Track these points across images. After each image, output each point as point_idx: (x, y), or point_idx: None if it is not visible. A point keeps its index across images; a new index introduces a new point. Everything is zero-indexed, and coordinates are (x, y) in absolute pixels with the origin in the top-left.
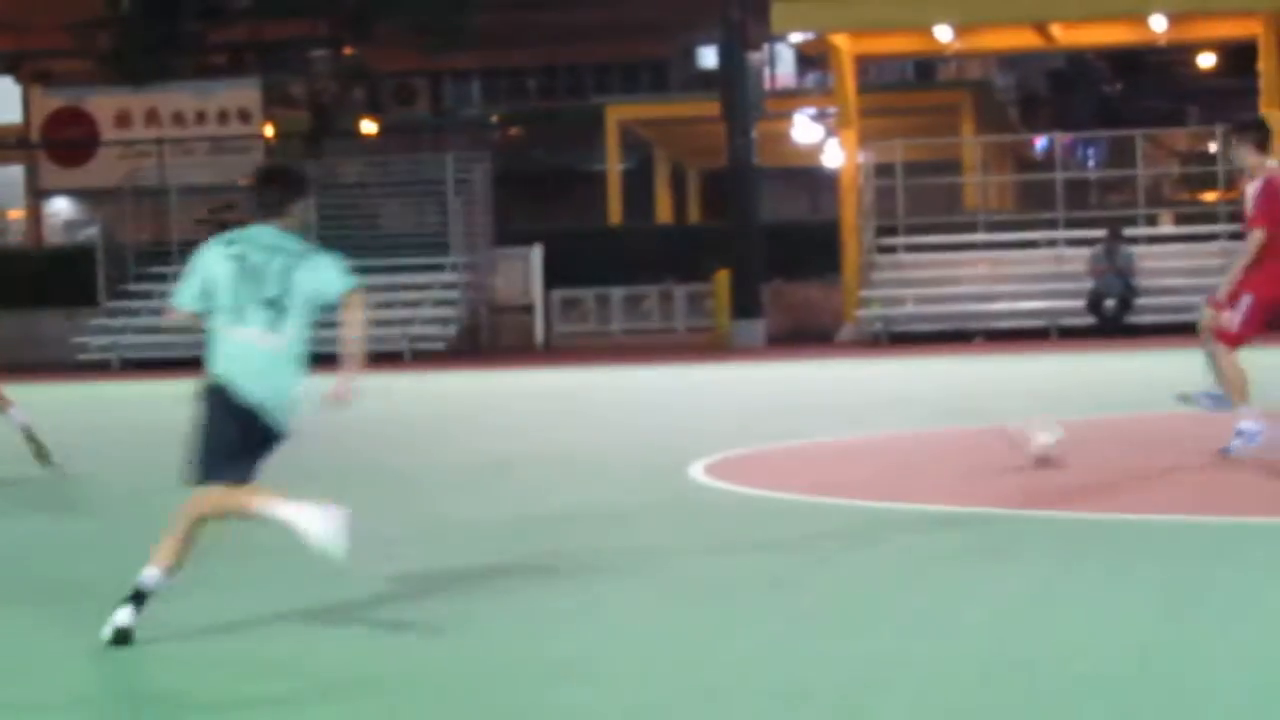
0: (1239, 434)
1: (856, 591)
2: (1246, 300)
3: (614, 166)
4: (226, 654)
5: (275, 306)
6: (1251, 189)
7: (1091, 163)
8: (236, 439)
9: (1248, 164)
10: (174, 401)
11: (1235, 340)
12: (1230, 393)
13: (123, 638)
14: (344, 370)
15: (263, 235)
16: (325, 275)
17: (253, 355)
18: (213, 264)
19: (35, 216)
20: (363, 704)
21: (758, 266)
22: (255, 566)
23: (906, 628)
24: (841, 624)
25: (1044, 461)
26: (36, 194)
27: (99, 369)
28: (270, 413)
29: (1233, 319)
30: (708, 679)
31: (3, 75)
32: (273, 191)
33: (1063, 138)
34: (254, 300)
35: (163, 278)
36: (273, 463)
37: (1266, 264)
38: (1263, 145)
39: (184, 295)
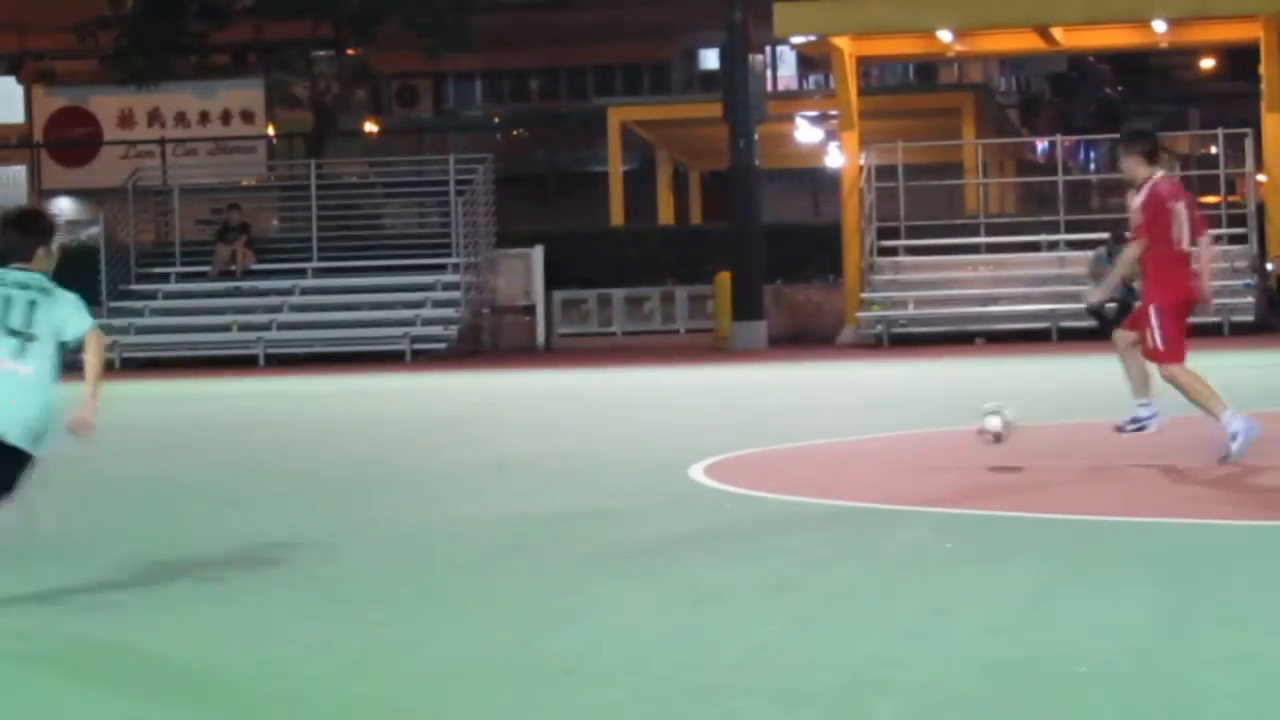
0: (1234, 437)
1: (856, 593)
2: (1153, 313)
3: (616, 168)
4: (226, 656)
5: (21, 337)
6: (1136, 200)
7: (1093, 165)
8: None
9: (1136, 175)
10: (173, 401)
11: (1174, 357)
12: (1205, 407)
13: None
14: (85, 400)
15: (9, 274)
16: (66, 313)
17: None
18: None
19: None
20: (361, 703)
21: (759, 268)
22: (255, 567)
23: (906, 629)
24: (841, 625)
25: (997, 438)
26: (39, 194)
27: None
28: (9, 437)
29: (1154, 339)
30: (707, 680)
31: (6, 75)
32: (18, 236)
33: (1064, 140)
34: (1, 330)
35: (165, 278)
36: (276, 467)
37: (1156, 273)
38: (1151, 156)
39: None
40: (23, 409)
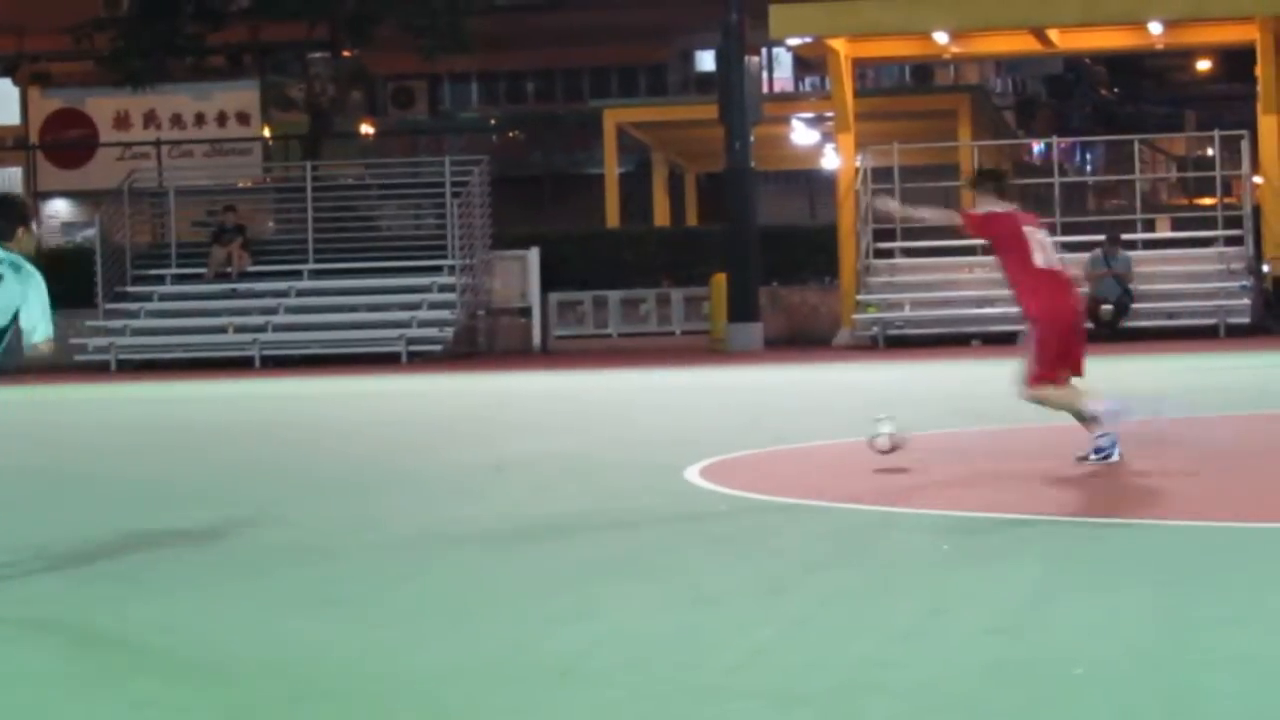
0: (1111, 413)
1: (853, 594)
2: (1036, 331)
3: (611, 169)
4: (225, 655)
5: None
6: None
7: (1089, 167)
8: None
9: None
10: (169, 403)
11: (1041, 381)
12: (1076, 409)
13: None
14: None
15: None
16: (31, 297)
17: None
18: None
19: (34, 218)
20: (361, 703)
21: (755, 270)
22: (254, 567)
23: (903, 630)
24: (838, 627)
25: (888, 450)
26: (35, 195)
27: (96, 370)
28: None
29: (1030, 361)
30: (704, 681)
31: (2, 77)
32: (1, 221)
33: (1060, 142)
34: None
35: (161, 280)
36: (274, 468)
37: (1036, 293)
38: (1003, 192)
39: None
40: None
